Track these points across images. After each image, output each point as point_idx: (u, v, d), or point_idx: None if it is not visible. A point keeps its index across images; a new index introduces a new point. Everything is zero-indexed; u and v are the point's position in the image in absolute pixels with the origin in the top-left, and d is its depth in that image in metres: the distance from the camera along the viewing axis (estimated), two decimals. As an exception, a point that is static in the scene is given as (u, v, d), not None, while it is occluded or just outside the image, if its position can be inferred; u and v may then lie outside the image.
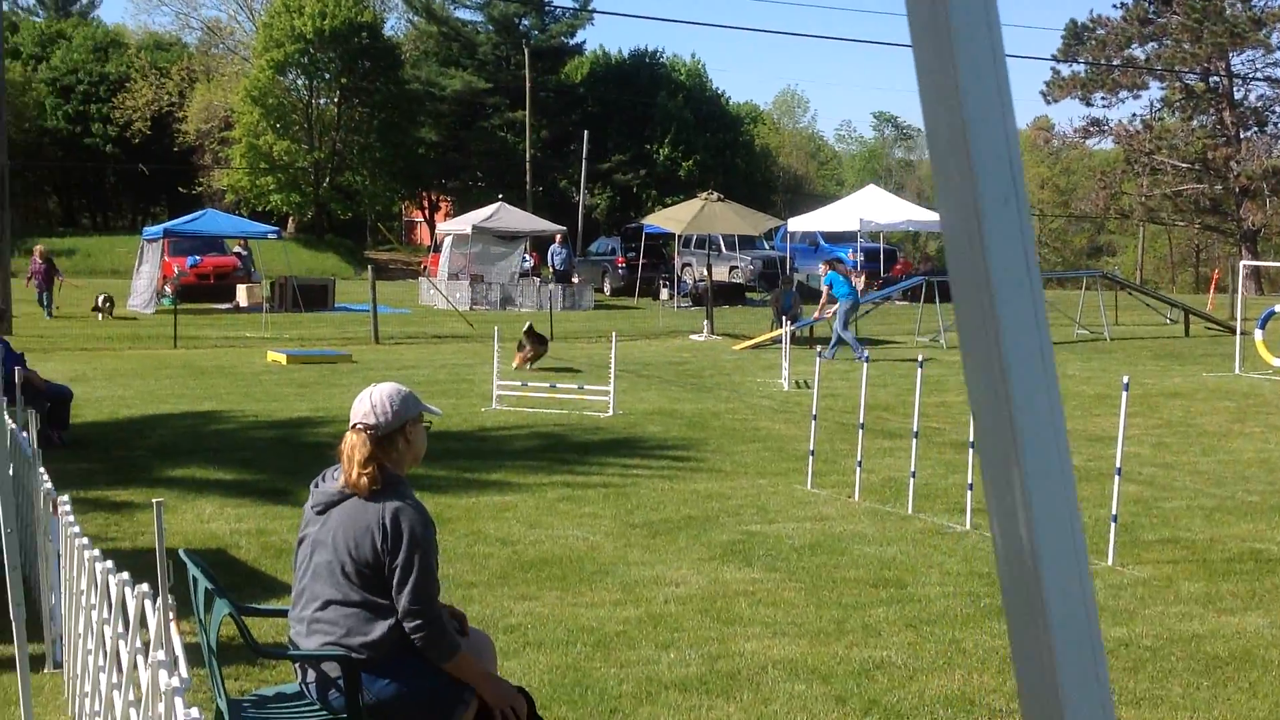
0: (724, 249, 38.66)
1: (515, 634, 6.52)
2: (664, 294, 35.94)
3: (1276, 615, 7.01)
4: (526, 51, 53.83)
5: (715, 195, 26.59)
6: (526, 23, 59.63)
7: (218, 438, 12.76)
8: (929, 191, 71.13)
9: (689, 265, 37.43)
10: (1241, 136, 51.20)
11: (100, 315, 28.35)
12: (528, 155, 52.85)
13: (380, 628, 4.12)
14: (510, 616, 6.83)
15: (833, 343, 21.08)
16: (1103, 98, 53.27)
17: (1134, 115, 55.82)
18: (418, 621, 4.12)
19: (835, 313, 21.03)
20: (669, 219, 27.94)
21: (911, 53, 1.03)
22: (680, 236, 30.57)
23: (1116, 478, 8.12)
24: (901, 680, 5.94)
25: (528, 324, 19.82)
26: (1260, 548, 8.55)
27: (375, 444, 4.24)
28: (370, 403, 4.28)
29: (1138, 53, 53.12)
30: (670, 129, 57.28)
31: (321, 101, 55.47)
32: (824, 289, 21.63)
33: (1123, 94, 53.17)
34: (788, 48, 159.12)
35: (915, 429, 9.80)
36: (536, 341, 19.23)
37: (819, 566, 7.98)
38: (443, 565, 5.07)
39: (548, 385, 15.46)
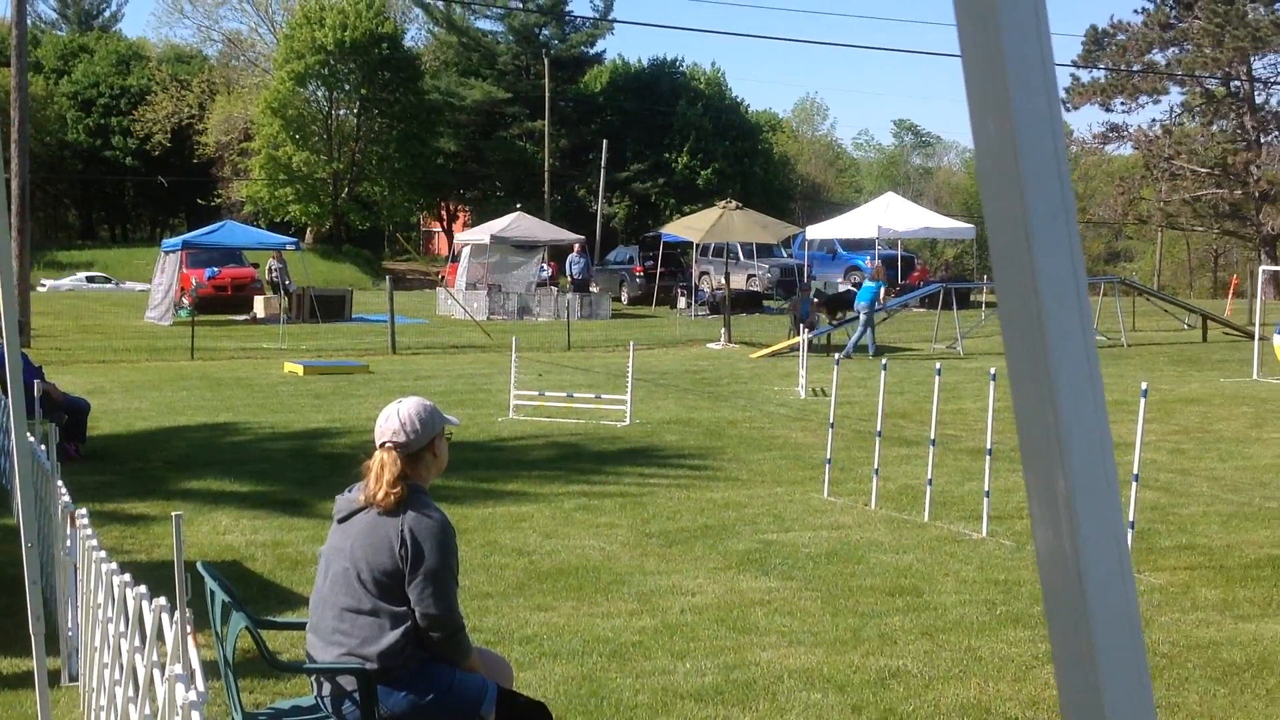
0: (742, 257, 38.64)
1: (531, 645, 6.54)
2: (681, 303, 35.95)
3: (1295, 623, 6.97)
4: (546, 61, 54.04)
5: (733, 203, 26.60)
6: (546, 32, 59.81)
7: (234, 449, 12.82)
8: (947, 199, 70.95)
9: (707, 274, 37.43)
10: (1262, 141, 50.92)
11: None
12: (546, 165, 53.00)
13: (394, 635, 4.15)
14: (526, 627, 6.84)
15: (866, 339, 22.47)
16: (1123, 103, 53.10)
17: (1154, 120, 55.68)
18: (441, 628, 4.17)
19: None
20: (687, 228, 27.95)
21: (961, 64, 1.04)
22: (698, 245, 30.61)
23: (1134, 484, 8.10)
24: (917, 689, 5.93)
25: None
26: (1278, 554, 8.51)
27: (405, 461, 4.26)
28: (399, 420, 4.29)
29: (1158, 58, 52.93)
30: (689, 137, 57.31)
31: (341, 112, 55.75)
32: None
33: (1143, 99, 52.97)
34: (807, 56, 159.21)
35: (933, 436, 9.79)
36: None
37: (835, 575, 7.97)
38: (459, 576, 5.08)
39: (564, 395, 15.49)
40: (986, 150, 1.03)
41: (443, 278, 40.25)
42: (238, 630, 4.20)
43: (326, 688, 4.24)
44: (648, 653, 6.43)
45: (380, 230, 62.35)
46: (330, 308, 31.66)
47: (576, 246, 36.03)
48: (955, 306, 25.11)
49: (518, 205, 40.09)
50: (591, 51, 61.79)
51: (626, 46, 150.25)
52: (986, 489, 9.11)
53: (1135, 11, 51.90)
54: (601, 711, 5.65)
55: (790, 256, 39.85)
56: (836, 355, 15.39)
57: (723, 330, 25.65)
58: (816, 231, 36.54)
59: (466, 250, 36.25)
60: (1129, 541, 8.02)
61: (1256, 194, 50.30)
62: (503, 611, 7.12)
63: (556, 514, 9.72)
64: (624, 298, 39.51)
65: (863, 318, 22.42)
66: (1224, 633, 6.78)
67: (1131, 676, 1.01)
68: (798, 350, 18.91)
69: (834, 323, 24.66)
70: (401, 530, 4.18)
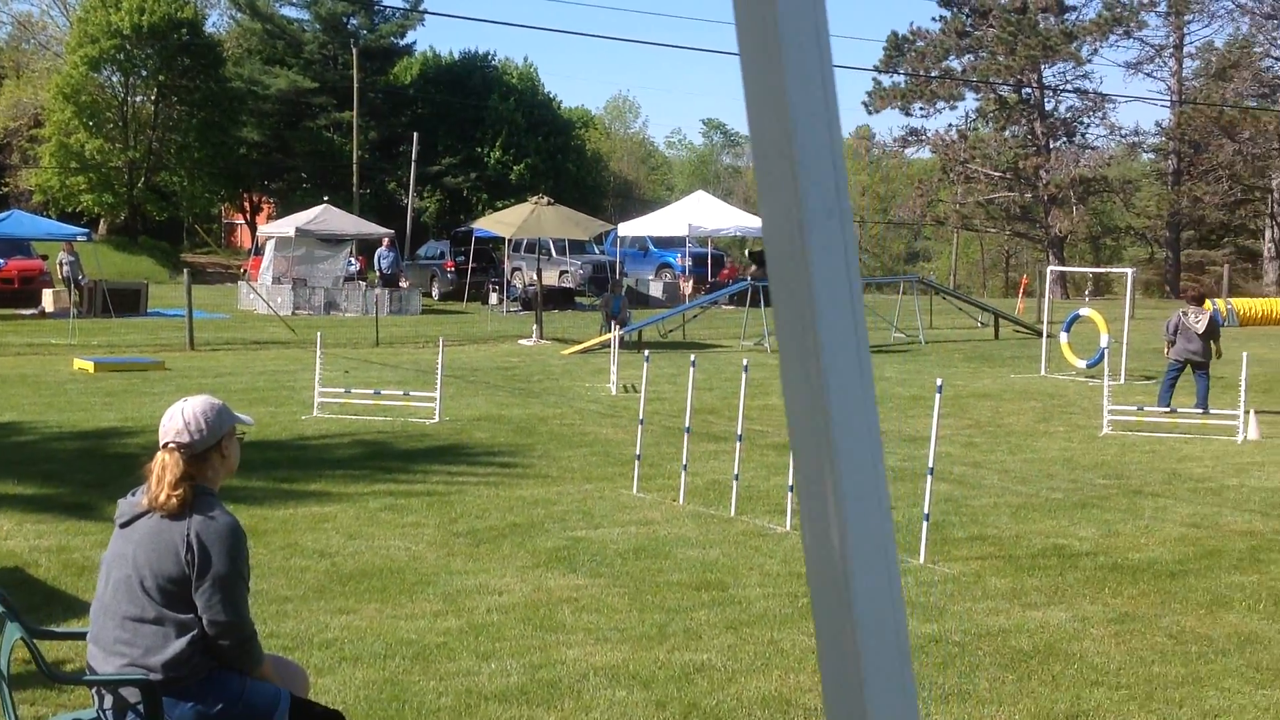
0: (554, 253, 38.64)
1: (331, 649, 6.37)
2: (493, 298, 35.72)
3: (1078, 609, 7.30)
4: (355, 51, 52.90)
5: (546, 199, 26.54)
6: (355, 22, 58.59)
7: (17, 450, 12.19)
8: (756, 198, 72.14)
9: (519, 269, 37.29)
10: (1051, 146, 53.36)
11: None
12: (355, 157, 51.96)
13: (179, 644, 3.97)
14: (326, 631, 6.67)
15: None
16: (921, 108, 54.95)
17: (950, 125, 57.83)
18: (230, 636, 4.00)
19: None
20: (499, 223, 27.77)
21: (739, 61, 1.01)
22: (510, 240, 30.48)
23: (929, 477, 8.36)
24: (721, 683, 6.00)
25: None
26: (1063, 543, 8.89)
27: (189, 463, 4.08)
28: (183, 420, 4.11)
29: (955, 64, 54.95)
30: (501, 132, 56.94)
31: (138, 99, 53.58)
32: None
33: (940, 105, 54.93)
34: (620, 54, 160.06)
35: (739, 432, 9.92)
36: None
37: (642, 571, 8.01)
38: (255, 580, 4.91)
39: (372, 392, 15.20)
40: (763, 148, 1.01)
41: (245, 271, 39.09)
42: (13, 641, 3.97)
43: (109, 700, 4.05)
44: (452, 654, 6.34)
45: (179, 222, 60.18)
46: (124, 302, 30.40)
47: (385, 240, 35.43)
48: (763, 304, 25.54)
49: (325, 198, 39.13)
50: (401, 43, 60.79)
51: (437, 39, 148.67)
52: (790, 483, 9.28)
53: (934, 19, 53.88)
54: (403, 716, 5.54)
55: (602, 253, 40.03)
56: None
57: (534, 326, 25.58)
58: (629, 228, 36.80)
59: (271, 243, 35.26)
60: (924, 533, 8.28)
61: (1045, 197, 52.69)
62: (302, 616, 6.93)
63: (361, 514, 9.53)
64: (435, 293, 39.04)
65: None
66: (1013, 620, 7.04)
67: (894, 672, 1.01)
68: (609, 347, 18.97)
69: None
70: (187, 535, 4.00)
